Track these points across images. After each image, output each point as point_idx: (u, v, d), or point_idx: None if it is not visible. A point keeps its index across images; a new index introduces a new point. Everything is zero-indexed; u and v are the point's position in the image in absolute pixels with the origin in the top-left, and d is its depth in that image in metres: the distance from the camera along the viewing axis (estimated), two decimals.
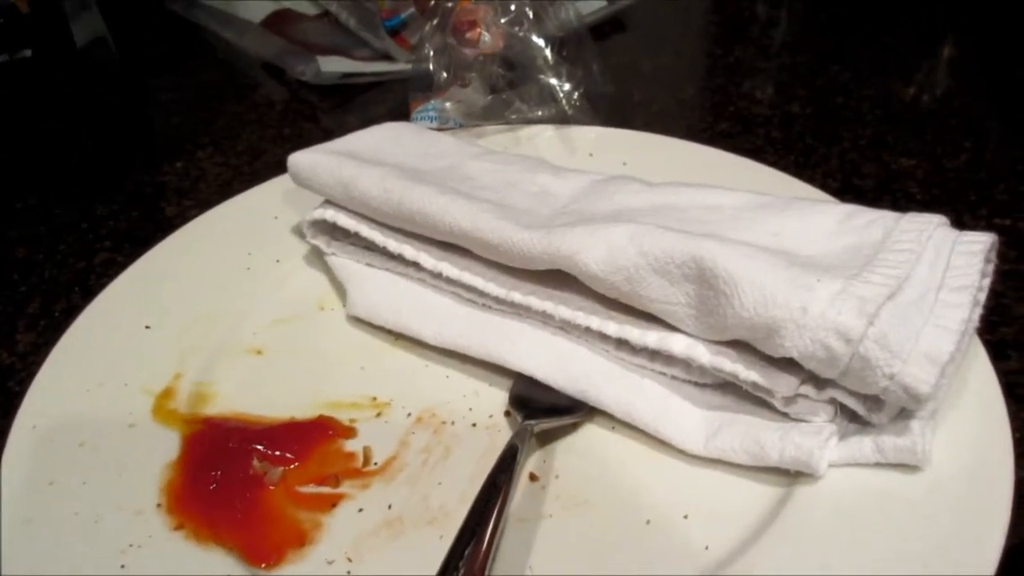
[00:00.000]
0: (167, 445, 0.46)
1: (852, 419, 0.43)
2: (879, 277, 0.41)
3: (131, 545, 0.41)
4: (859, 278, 0.41)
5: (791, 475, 0.43)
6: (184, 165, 0.81)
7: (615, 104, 0.76)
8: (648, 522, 0.42)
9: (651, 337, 0.46)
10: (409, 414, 0.49)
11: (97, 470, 0.44)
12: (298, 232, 0.62)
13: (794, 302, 0.40)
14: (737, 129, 0.79)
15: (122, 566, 0.40)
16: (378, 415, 0.49)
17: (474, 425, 0.48)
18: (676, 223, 0.48)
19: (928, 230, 0.44)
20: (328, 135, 0.65)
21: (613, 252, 0.46)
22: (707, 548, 0.41)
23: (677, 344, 0.46)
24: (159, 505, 0.43)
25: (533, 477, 0.45)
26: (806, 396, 0.43)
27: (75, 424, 0.47)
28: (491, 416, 0.49)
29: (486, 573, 0.37)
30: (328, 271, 0.59)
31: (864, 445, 0.42)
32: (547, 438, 0.47)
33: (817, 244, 0.46)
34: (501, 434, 0.48)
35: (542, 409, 0.47)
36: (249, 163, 0.80)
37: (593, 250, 0.46)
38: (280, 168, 0.67)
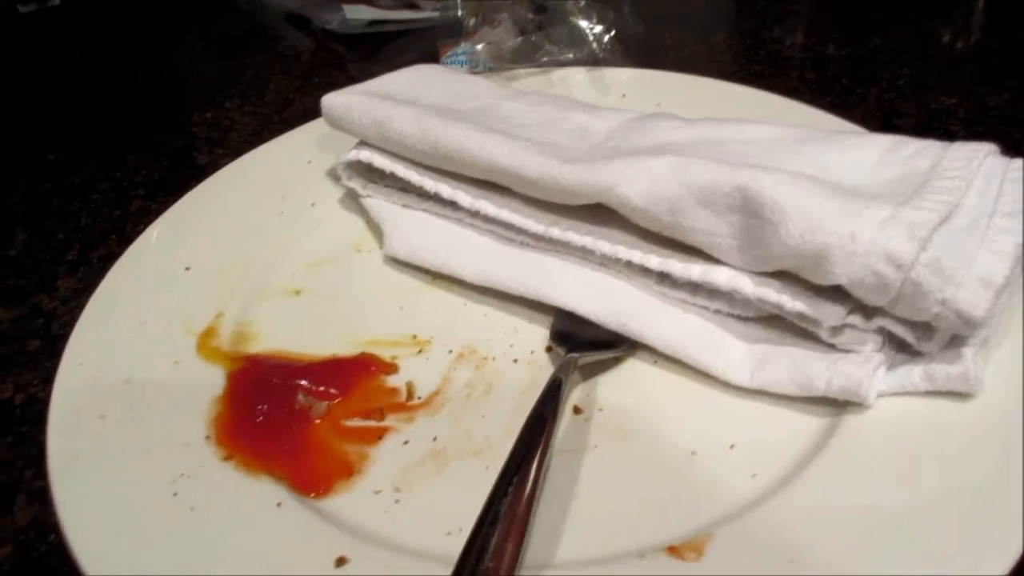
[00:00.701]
0: (212, 381, 0.47)
1: (900, 349, 0.43)
2: (930, 203, 0.40)
3: (182, 474, 0.41)
4: (909, 204, 0.40)
5: (838, 405, 0.42)
6: (213, 116, 0.80)
7: (645, 48, 0.75)
8: (694, 452, 0.42)
9: (694, 270, 0.46)
10: (450, 351, 0.49)
11: (145, 405, 0.45)
12: (332, 176, 0.62)
13: (843, 228, 0.39)
14: (770, 71, 0.78)
15: (174, 494, 0.40)
16: (419, 352, 0.50)
17: (515, 361, 0.48)
18: (717, 156, 0.47)
19: (978, 158, 0.43)
20: (356, 83, 0.64)
21: (655, 184, 0.45)
22: (754, 476, 0.40)
23: (721, 276, 0.45)
24: (207, 437, 0.43)
25: (577, 410, 0.45)
26: (853, 326, 0.42)
27: (121, 362, 0.47)
28: (532, 352, 0.49)
29: (534, 502, 0.37)
30: (363, 214, 0.59)
31: (913, 374, 0.41)
32: (589, 373, 0.47)
33: (862, 175, 0.45)
34: (543, 370, 0.48)
35: (584, 344, 0.47)
36: (278, 112, 0.80)
37: (635, 182, 0.45)
38: (309, 116, 0.67)
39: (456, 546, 0.36)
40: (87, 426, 0.43)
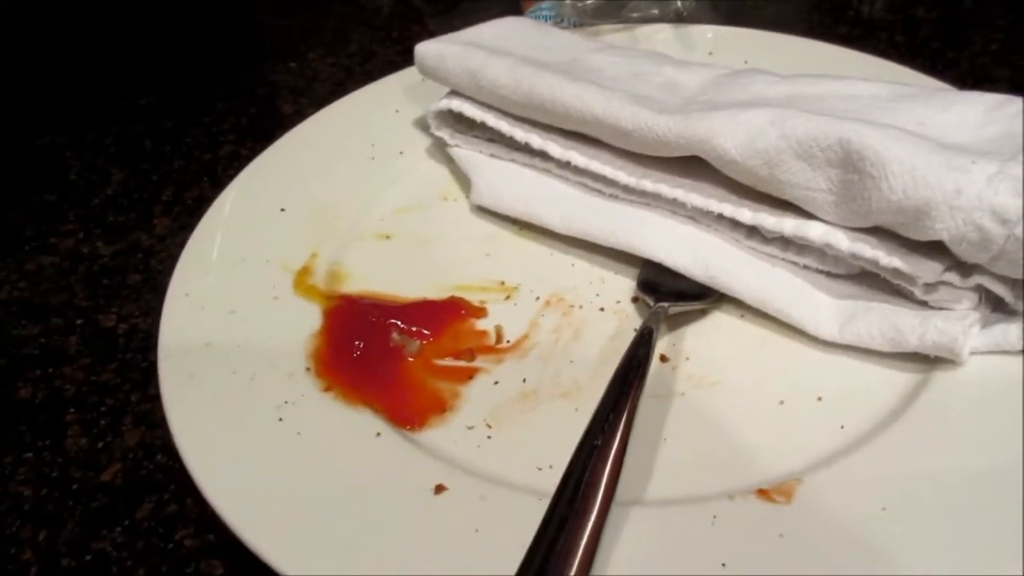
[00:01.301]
0: (310, 317, 0.48)
1: (996, 308, 0.43)
2: None
3: (286, 402, 0.43)
4: (1015, 160, 0.40)
5: (929, 362, 0.42)
6: (297, 66, 0.82)
7: (730, 7, 0.74)
8: (781, 402, 0.43)
9: (788, 224, 0.46)
10: (537, 298, 0.50)
11: (248, 335, 0.47)
12: (420, 125, 0.63)
13: (948, 183, 0.39)
14: (858, 33, 0.76)
15: (280, 419, 0.42)
16: (507, 298, 0.51)
17: (602, 310, 0.49)
18: (815, 110, 0.47)
19: None
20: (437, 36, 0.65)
21: (754, 135, 0.45)
22: (843, 427, 0.41)
23: (815, 231, 0.45)
24: (308, 369, 0.45)
25: (664, 358, 0.46)
26: (949, 283, 0.42)
27: (223, 294, 0.49)
28: (618, 302, 0.50)
29: (627, 442, 0.38)
30: (451, 163, 0.60)
31: (1010, 332, 0.41)
32: (675, 324, 0.48)
33: (965, 132, 0.45)
34: (629, 318, 0.48)
35: (671, 294, 0.48)
36: (361, 64, 0.81)
37: (733, 134, 0.46)
38: (391, 69, 0.68)
39: (548, 481, 0.37)
40: (195, 351, 0.45)
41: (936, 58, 0.72)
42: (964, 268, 0.42)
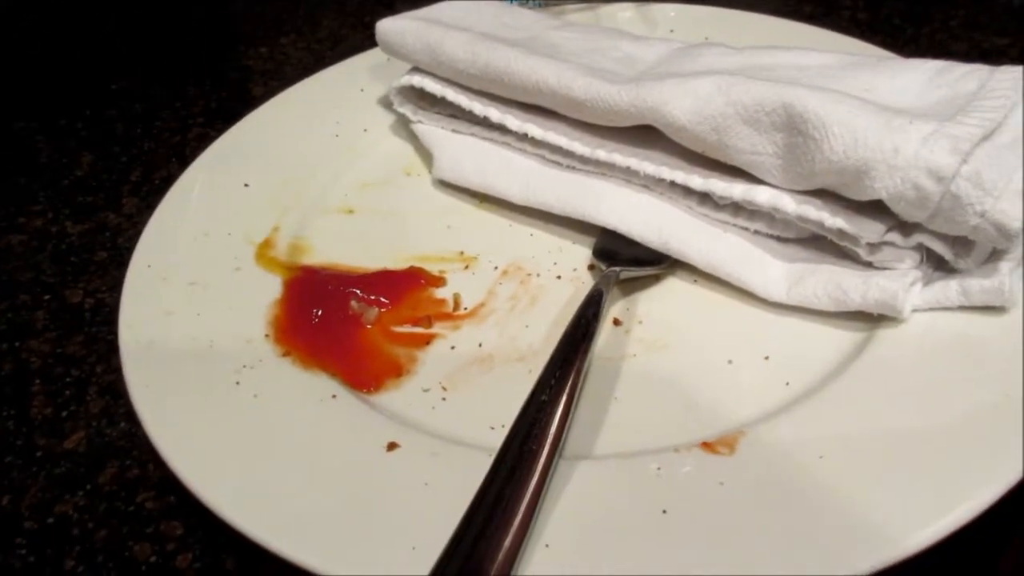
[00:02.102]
0: (270, 287, 0.49)
1: (937, 267, 0.44)
2: (973, 120, 0.41)
3: (244, 366, 0.44)
4: (953, 120, 0.41)
5: (873, 321, 0.43)
6: (268, 50, 0.83)
7: None
8: (730, 362, 0.44)
9: (736, 189, 0.47)
10: (496, 267, 0.51)
11: (208, 305, 0.47)
12: (384, 103, 0.64)
13: (886, 143, 0.40)
14: (821, 11, 0.77)
15: (237, 382, 0.43)
16: (466, 268, 0.51)
17: (559, 277, 0.50)
18: (764, 78, 0.48)
19: None
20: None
21: (701, 102, 0.46)
22: (787, 384, 0.42)
23: (762, 195, 0.46)
24: (267, 335, 0.46)
25: (616, 322, 0.47)
26: (891, 243, 0.43)
27: (185, 266, 0.50)
28: (575, 270, 0.51)
29: (575, 397, 0.39)
30: (413, 140, 0.61)
31: (949, 288, 0.42)
32: (630, 289, 0.49)
33: (909, 97, 0.46)
34: (585, 285, 0.49)
35: (625, 260, 0.48)
36: (331, 48, 0.82)
37: (681, 100, 0.46)
38: (361, 52, 0.69)
39: (499, 439, 0.38)
40: (156, 320, 0.46)
41: (897, 34, 0.73)
42: (906, 228, 0.43)
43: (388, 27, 0.59)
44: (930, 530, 0.33)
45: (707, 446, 0.38)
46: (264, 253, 0.52)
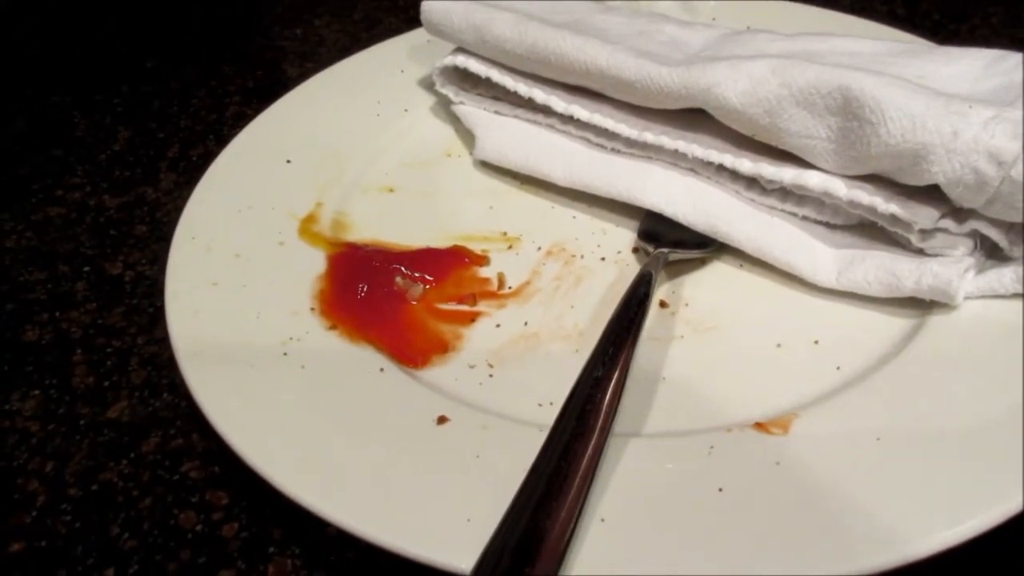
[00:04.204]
0: (315, 261, 0.49)
1: (990, 255, 0.43)
2: None
3: (291, 338, 0.44)
4: (1012, 106, 0.40)
5: (925, 307, 0.43)
6: (303, 32, 0.82)
7: None
8: (779, 345, 0.43)
9: (787, 173, 0.47)
10: (539, 248, 0.51)
11: (254, 277, 0.47)
12: (424, 84, 0.64)
13: (945, 127, 0.40)
14: (860, 5, 0.77)
15: (284, 353, 0.43)
16: (509, 248, 0.51)
17: (603, 259, 0.50)
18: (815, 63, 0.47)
19: None
20: None
21: (755, 84, 0.46)
22: (839, 368, 0.42)
23: (813, 179, 0.46)
24: (312, 309, 0.46)
25: (663, 304, 0.47)
26: (945, 230, 0.43)
27: (230, 238, 0.50)
28: (619, 252, 0.50)
29: (627, 375, 0.39)
30: (455, 122, 0.61)
31: (1004, 276, 0.42)
32: (675, 272, 0.48)
33: (964, 84, 0.45)
34: (630, 268, 0.49)
35: (671, 243, 0.48)
36: (367, 30, 0.82)
37: (734, 82, 0.46)
38: (397, 35, 0.69)
39: (548, 416, 0.37)
40: (202, 290, 0.46)
41: (936, 30, 0.72)
42: (960, 214, 0.43)
43: (433, 7, 0.59)
44: (978, 521, 0.33)
45: (760, 426, 0.38)
46: (308, 228, 0.52)
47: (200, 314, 0.44)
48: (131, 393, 0.47)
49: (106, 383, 0.48)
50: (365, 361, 0.43)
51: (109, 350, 0.50)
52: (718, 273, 0.48)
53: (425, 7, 0.59)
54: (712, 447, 0.37)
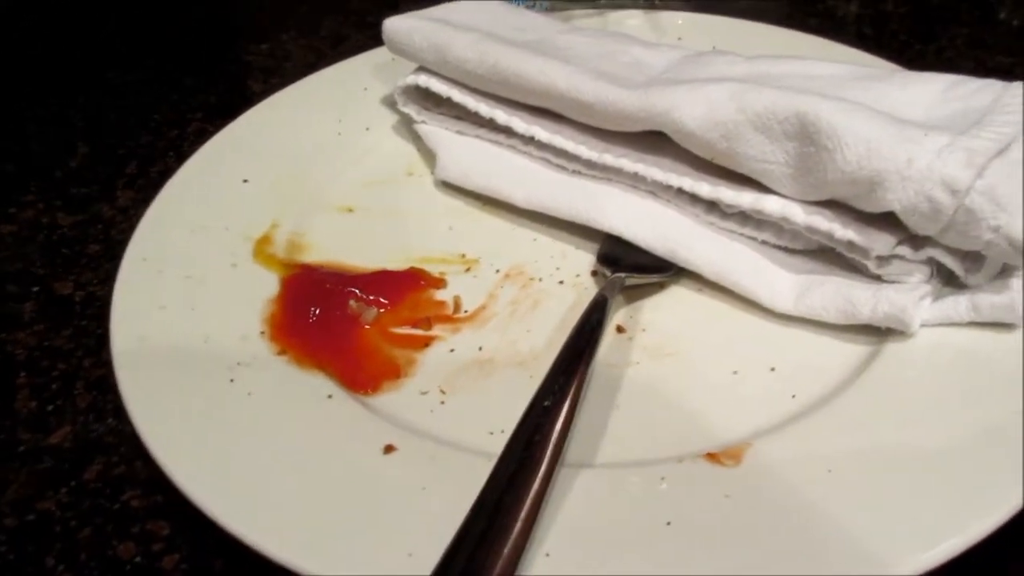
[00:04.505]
0: (267, 283, 0.48)
1: (947, 282, 0.43)
2: (988, 133, 0.40)
3: (238, 363, 0.43)
4: (968, 134, 0.40)
5: (881, 334, 0.43)
6: (269, 47, 0.82)
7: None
8: (735, 372, 0.43)
9: (745, 198, 0.46)
10: (497, 270, 0.50)
11: (204, 300, 0.46)
12: (387, 103, 0.63)
13: (900, 154, 0.40)
14: (828, 25, 0.77)
15: (231, 380, 0.42)
16: (467, 270, 0.51)
17: (561, 283, 0.49)
18: (775, 86, 0.47)
19: None
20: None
21: (712, 108, 0.45)
22: (794, 396, 0.41)
23: (771, 204, 0.45)
24: (262, 333, 0.45)
25: (620, 329, 0.46)
26: (902, 257, 0.43)
27: (181, 260, 0.49)
28: (578, 275, 0.50)
29: (578, 404, 0.38)
30: (417, 140, 0.60)
31: (959, 304, 0.42)
32: (634, 296, 0.48)
33: (921, 110, 0.45)
34: (588, 291, 0.48)
35: (630, 267, 0.48)
36: (333, 47, 0.81)
37: (692, 106, 0.46)
38: (363, 51, 0.68)
39: (498, 444, 0.37)
40: (149, 313, 0.45)
41: (903, 50, 0.72)
42: (916, 241, 0.42)
43: (396, 25, 0.58)
44: (934, 552, 0.32)
45: (712, 457, 0.38)
46: (262, 249, 0.51)
47: (146, 340, 0.43)
48: (75, 418, 0.46)
49: (50, 407, 0.47)
50: (314, 387, 0.42)
51: (54, 373, 0.49)
52: (677, 297, 0.48)
53: (387, 26, 0.59)
54: (663, 478, 0.37)
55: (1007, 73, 0.68)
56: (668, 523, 0.34)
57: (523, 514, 0.33)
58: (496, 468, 0.35)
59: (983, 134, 0.40)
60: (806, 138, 0.43)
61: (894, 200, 0.40)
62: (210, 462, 0.37)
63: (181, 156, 0.65)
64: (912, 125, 0.41)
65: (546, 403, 0.37)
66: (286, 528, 0.35)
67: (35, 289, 0.55)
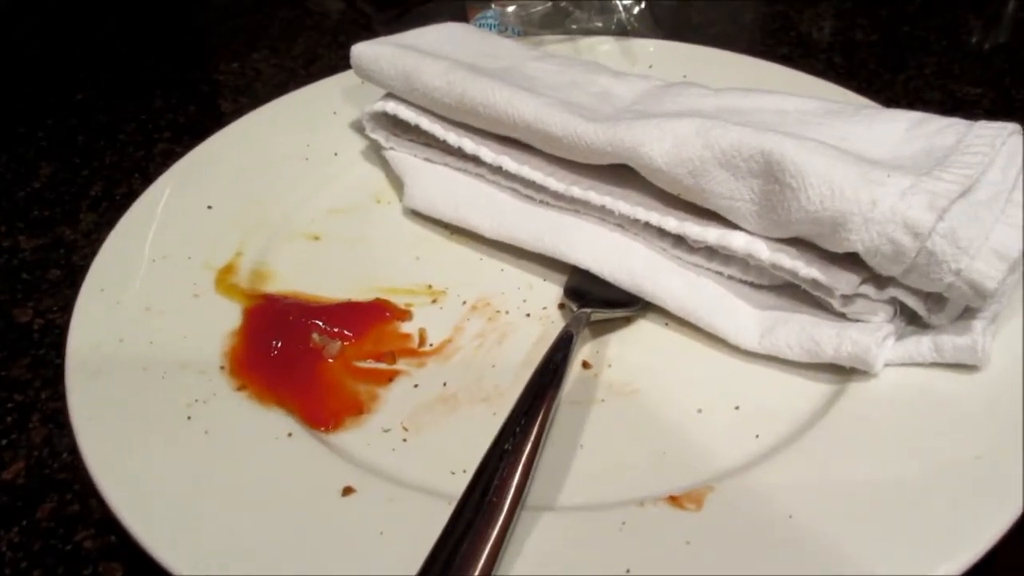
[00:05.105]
0: (229, 315, 0.47)
1: (910, 321, 0.43)
2: (951, 175, 0.40)
3: (196, 400, 0.42)
4: (930, 175, 0.40)
5: (845, 373, 0.43)
6: (240, 66, 0.81)
7: (674, 23, 0.75)
8: (699, 411, 0.43)
9: (711, 234, 0.46)
10: (464, 302, 0.50)
11: (163, 333, 0.46)
12: (356, 127, 0.62)
13: (863, 195, 0.40)
14: (798, 53, 0.78)
15: (188, 417, 0.41)
16: (433, 302, 0.50)
17: (528, 315, 0.49)
18: (742, 123, 0.47)
19: (1002, 136, 0.43)
20: None
21: (679, 144, 0.45)
22: (757, 437, 0.41)
23: (737, 240, 0.45)
24: (222, 367, 0.44)
25: (586, 365, 0.46)
26: (865, 296, 0.43)
27: (141, 290, 0.48)
28: (545, 308, 0.49)
29: (540, 447, 0.38)
30: (385, 167, 0.59)
31: (922, 344, 0.42)
32: (600, 330, 0.48)
33: (886, 148, 0.45)
34: (555, 325, 0.48)
35: (597, 301, 0.47)
36: (304, 67, 0.80)
37: (659, 142, 0.46)
38: (335, 72, 0.67)
39: (460, 485, 0.36)
40: (106, 347, 0.44)
41: (872, 79, 0.73)
42: (880, 280, 0.42)
43: (363, 51, 0.58)
44: None
45: (674, 500, 0.37)
46: (225, 279, 0.50)
47: (102, 373, 0.42)
48: (29, 453, 0.45)
49: (3, 441, 0.46)
50: (273, 425, 0.41)
51: (10, 405, 0.48)
52: (643, 332, 0.48)
53: (355, 51, 0.58)
54: (624, 523, 0.36)
55: (974, 104, 0.69)
56: (627, 570, 0.34)
57: (481, 562, 0.33)
58: (454, 513, 0.35)
59: (946, 176, 0.40)
60: (771, 176, 0.43)
61: (857, 241, 0.40)
62: (164, 505, 0.37)
63: (147, 177, 0.64)
64: (876, 166, 0.41)
65: (507, 445, 0.37)
66: (240, 574, 0.34)
67: None
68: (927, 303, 0.42)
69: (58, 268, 0.57)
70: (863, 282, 0.43)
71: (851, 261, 0.43)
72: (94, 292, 0.47)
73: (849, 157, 0.42)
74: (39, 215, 0.62)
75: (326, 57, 0.82)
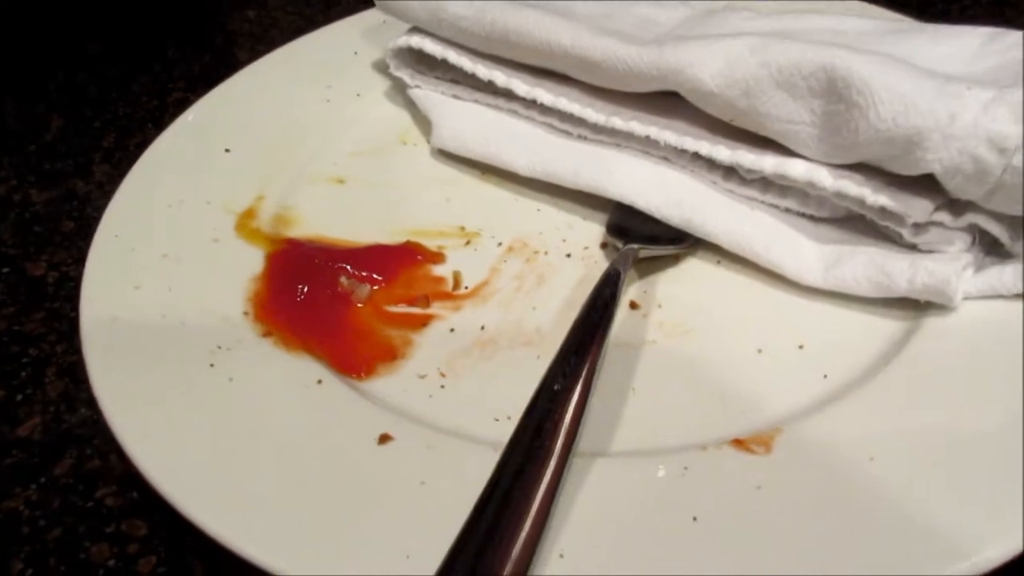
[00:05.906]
0: (251, 260, 0.45)
1: (989, 251, 0.40)
2: None
3: (219, 347, 0.39)
4: (1014, 87, 0.37)
5: (918, 309, 0.40)
6: (256, 14, 0.78)
7: None
8: (760, 351, 0.40)
9: (767, 162, 0.43)
10: (499, 243, 0.47)
11: (182, 279, 0.43)
12: (379, 68, 0.59)
13: (941, 110, 0.36)
14: None
15: (211, 364, 0.38)
16: (467, 244, 0.47)
17: (568, 256, 0.46)
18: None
19: None
20: None
21: (732, 64, 0.42)
22: (825, 377, 0.38)
23: (796, 168, 0.42)
24: (246, 313, 0.41)
25: (634, 305, 0.43)
26: (940, 223, 0.39)
27: (158, 236, 0.45)
28: (586, 248, 0.46)
29: (591, 388, 0.35)
30: (411, 107, 0.56)
31: (1005, 274, 0.38)
32: (647, 270, 0.44)
33: (958, 65, 0.42)
34: (598, 265, 0.45)
35: (642, 238, 0.44)
36: (322, 12, 0.77)
37: (709, 63, 0.42)
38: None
39: (504, 432, 0.34)
40: (122, 295, 0.41)
41: (925, 9, 0.68)
42: (956, 206, 0.39)
43: None
44: (993, 551, 0.29)
45: (740, 444, 0.34)
46: (246, 224, 0.47)
47: (118, 322, 0.40)
48: (45, 408, 0.43)
49: (19, 397, 0.43)
50: (302, 372, 0.39)
51: (25, 360, 0.45)
52: (694, 270, 0.44)
53: None
54: (686, 468, 0.33)
55: None
56: (694, 518, 0.31)
57: (534, 510, 0.30)
58: (503, 459, 0.32)
59: None
60: (835, 95, 0.39)
61: (934, 161, 0.37)
62: (188, 457, 0.34)
63: (161, 127, 0.61)
64: (953, 79, 0.37)
65: (556, 386, 0.34)
66: (271, 529, 0.31)
67: (5, 270, 0.51)
68: (1010, 229, 0.38)
69: (71, 220, 0.55)
70: (937, 208, 0.39)
71: (924, 186, 0.39)
72: (108, 238, 0.45)
73: (922, 71, 0.38)
74: (51, 168, 0.60)
75: (344, 2, 0.78)
